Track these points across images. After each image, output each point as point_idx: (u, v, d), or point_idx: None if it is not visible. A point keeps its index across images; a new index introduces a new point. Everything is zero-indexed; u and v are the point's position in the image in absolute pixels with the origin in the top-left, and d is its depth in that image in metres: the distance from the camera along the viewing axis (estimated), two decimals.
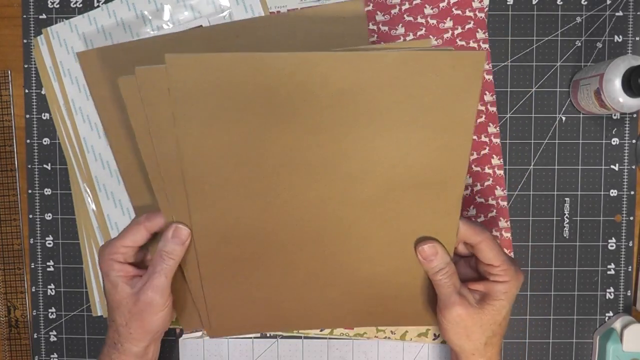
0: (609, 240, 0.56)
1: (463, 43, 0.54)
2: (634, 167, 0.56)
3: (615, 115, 0.56)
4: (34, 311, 0.57)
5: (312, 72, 0.38)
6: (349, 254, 0.46)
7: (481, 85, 0.40)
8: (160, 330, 0.46)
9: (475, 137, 0.55)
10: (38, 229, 0.57)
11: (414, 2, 0.54)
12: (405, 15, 0.54)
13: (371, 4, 0.54)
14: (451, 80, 0.39)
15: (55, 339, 0.57)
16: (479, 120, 0.55)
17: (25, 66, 0.56)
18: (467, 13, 0.54)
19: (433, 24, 0.54)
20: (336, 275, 0.47)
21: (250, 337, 0.57)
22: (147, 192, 0.51)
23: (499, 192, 0.55)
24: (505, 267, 0.44)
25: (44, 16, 0.55)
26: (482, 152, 0.55)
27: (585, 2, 0.55)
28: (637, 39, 0.55)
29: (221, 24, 0.52)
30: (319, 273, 0.46)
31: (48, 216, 0.56)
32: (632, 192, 0.56)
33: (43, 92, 0.56)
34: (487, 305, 0.44)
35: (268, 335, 0.57)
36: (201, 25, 0.53)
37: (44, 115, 0.56)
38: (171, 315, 0.47)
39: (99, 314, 0.56)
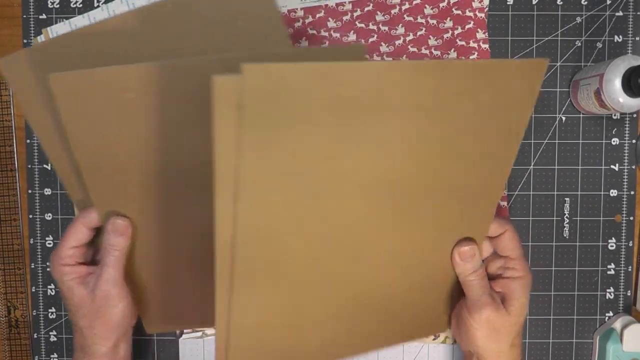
0: (609, 240, 0.56)
1: (463, 43, 0.54)
2: (634, 167, 0.56)
3: (615, 115, 0.56)
4: (34, 311, 0.57)
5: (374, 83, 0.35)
6: (377, 261, 0.43)
7: (536, 96, 0.39)
8: (123, 325, 0.46)
9: None
10: (38, 229, 0.57)
11: (414, 2, 0.54)
12: (405, 15, 0.54)
13: (371, 4, 0.54)
14: (509, 89, 0.38)
15: (55, 339, 0.57)
16: None
17: None
18: (467, 13, 0.54)
19: (433, 24, 0.54)
20: (360, 290, 0.44)
21: None
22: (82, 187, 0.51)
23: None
24: (522, 261, 0.45)
25: (44, 16, 0.55)
26: None
27: (585, 2, 0.55)
28: (637, 39, 0.55)
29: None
30: (341, 287, 0.43)
31: (48, 216, 0.56)
32: (632, 192, 0.56)
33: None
34: (511, 307, 0.44)
35: None
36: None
37: None
38: (132, 309, 0.47)
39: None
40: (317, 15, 0.54)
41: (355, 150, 0.36)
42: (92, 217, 0.45)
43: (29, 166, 0.56)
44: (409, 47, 0.55)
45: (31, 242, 0.57)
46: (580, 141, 0.56)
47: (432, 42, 0.55)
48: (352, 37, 0.54)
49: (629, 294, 0.56)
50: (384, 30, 0.55)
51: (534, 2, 0.55)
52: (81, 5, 0.55)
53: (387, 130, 0.36)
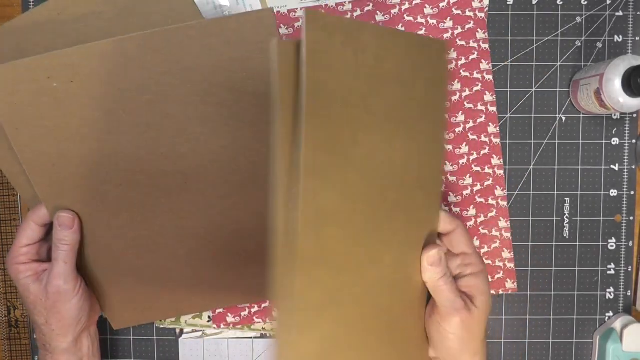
0: (609, 240, 0.56)
1: (463, 43, 0.54)
2: (634, 167, 0.56)
3: (615, 115, 0.56)
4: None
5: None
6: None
7: (448, 73, 0.40)
8: (80, 320, 0.46)
9: (475, 137, 0.55)
10: None
11: (414, 2, 0.54)
12: (405, 15, 0.54)
13: (371, 4, 0.54)
14: (421, 66, 0.38)
15: None
16: (478, 120, 0.55)
17: None
18: (467, 13, 0.54)
19: (433, 24, 0.54)
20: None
21: (250, 337, 0.57)
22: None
23: (499, 192, 0.55)
24: (477, 255, 0.44)
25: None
26: (482, 152, 0.55)
27: (585, 2, 0.55)
28: (637, 39, 0.55)
29: None
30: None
31: None
32: (632, 192, 0.56)
33: None
34: (479, 303, 0.43)
35: (268, 335, 0.57)
36: None
37: None
38: (89, 304, 0.47)
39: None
40: None
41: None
42: (41, 213, 0.45)
43: None
44: None
45: None
46: (580, 141, 0.56)
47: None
48: None
49: (629, 294, 0.56)
50: None
51: (534, 2, 0.55)
52: None
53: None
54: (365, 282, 0.39)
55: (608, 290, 0.56)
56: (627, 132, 0.56)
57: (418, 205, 0.41)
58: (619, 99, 0.48)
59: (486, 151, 0.55)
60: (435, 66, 0.41)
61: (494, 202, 0.55)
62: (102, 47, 0.40)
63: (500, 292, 0.56)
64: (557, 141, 0.56)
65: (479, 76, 0.55)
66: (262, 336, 0.57)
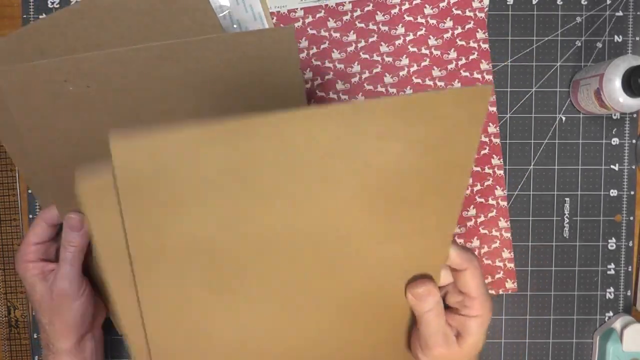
0: (609, 240, 0.56)
1: (463, 43, 0.54)
2: (634, 167, 0.56)
3: (615, 115, 0.56)
4: (34, 311, 0.57)
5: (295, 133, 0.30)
6: (343, 271, 0.38)
7: (482, 124, 0.35)
8: (84, 323, 0.46)
9: None
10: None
11: (414, 2, 0.54)
12: (405, 15, 0.54)
13: (371, 4, 0.54)
14: (452, 120, 0.34)
15: None
16: None
17: None
18: (467, 13, 0.54)
19: (433, 24, 0.54)
20: (325, 300, 0.39)
21: None
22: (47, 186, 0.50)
23: (499, 192, 0.55)
24: (482, 301, 0.41)
25: (43, 16, 0.55)
26: (482, 152, 0.55)
27: (585, 2, 0.55)
28: (637, 39, 0.55)
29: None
30: (306, 298, 0.38)
31: None
32: (632, 192, 0.56)
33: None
34: (464, 343, 0.41)
35: None
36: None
37: None
38: (93, 307, 0.47)
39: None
40: (317, 15, 0.54)
41: (276, 206, 0.31)
42: (52, 213, 0.45)
43: None
44: (409, 47, 0.55)
45: None
46: (580, 141, 0.56)
47: (432, 42, 0.55)
48: (352, 37, 0.54)
49: (629, 294, 0.56)
50: (384, 30, 0.55)
51: (534, 2, 0.55)
52: None
53: (305, 183, 0.31)
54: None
55: (608, 290, 0.56)
56: (627, 132, 0.56)
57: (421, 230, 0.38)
58: (619, 99, 0.48)
59: (486, 151, 0.55)
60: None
61: (494, 202, 0.55)
62: (122, 55, 0.40)
63: (500, 292, 0.56)
64: (557, 141, 0.56)
65: (479, 76, 0.55)
66: None
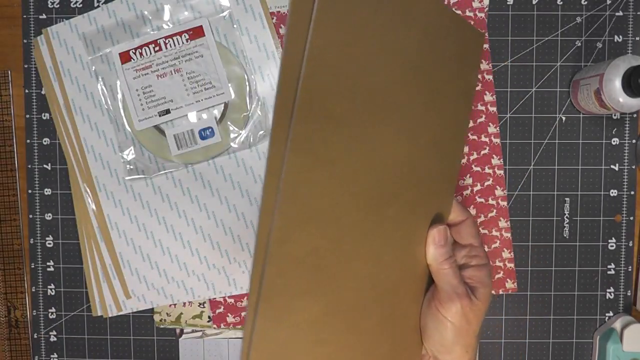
0: (609, 240, 0.56)
1: None
2: (634, 167, 0.56)
3: (615, 115, 0.56)
4: (34, 311, 0.57)
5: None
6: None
7: (479, 64, 0.40)
8: None
9: (475, 137, 0.55)
10: (38, 229, 0.57)
11: None
12: None
13: None
14: (456, 46, 0.38)
15: (55, 339, 0.57)
16: (478, 120, 0.55)
17: (25, 66, 0.56)
18: (467, 13, 0.54)
19: None
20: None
21: None
22: None
23: (499, 192, 0.55)
24: (482, 249, 0.44)
25: (44, 16, 0.55)
26: (482, 152, 0.55)
27: (585, 2, 0.55)
28: (637, 39, 0.55)
29: None
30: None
31: (48, 216, 0.56)
32: (632, 192, 0.56)
33: (43, 92, 0.56)
34: (480, 295, 0.42)
35: None
36: (201, 26, 0.53)
37: (44, 115, 0.56)
38: None
39: (99, 314, 0.56)
40: None
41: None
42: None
43: (29, 166, 0.56)
44: None
45: (31, 242, 0.57)
46: (580, 141, 0.56)
47: None
48: None
49: (629, 294, 0.56)
50: None
51: (534, 2, 0.55)
52: (81, 5, 0.55)
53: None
54: (360, 270, 0.38)
55: (608, 290, 0.56)
56: (627, 132, 0.56)
57: (428, 192, 0.41)
58: (619, 99, 0.48)
59: (486, 151, 0.55)
60: (468, 55, 0.40)
61: (494, 202, 0.55)
62: None
63: (500, 292, 0.56)
64: (557, 141, 0.56)
65: (479, 76, 0.55)
66: None
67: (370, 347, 0.40)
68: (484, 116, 0.55)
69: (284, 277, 0.33)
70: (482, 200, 0.55)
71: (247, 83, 0.54)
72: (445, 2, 0.54)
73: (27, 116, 0.56)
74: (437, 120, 0.40)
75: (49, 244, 0.57)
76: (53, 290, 0.57)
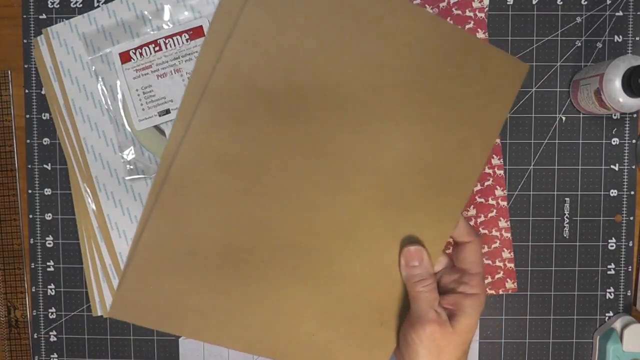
0: (609, 240, 0.56)
1: None
2: (634, 167, 0.56)
3: (615, 115, 0.56)
4: (34, 311, 0.57)
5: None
6: (340, 252, 0.40)
7: (514, 97, 0.39)
8: None
9: None
10: (38, 229, 0.57)
11: (414, 2, 0.54)
12: None
13: None
14: (490, 80, 0.38)
15: (55, 339, 0.57)
16: None
17: (25, 66, 0.56)
18: (467, 13, 0.54)
19: None
20: (321, 280, 0.40)
21: None
22: None
23: (499, 192, 0.55)
24: (481, 278, 0.41)
25: (44, 16, 0.55)
26: None
27: (585, 2, 0.55)
28: (637, 39, 0.55)
29: None
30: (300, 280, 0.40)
31: (48, 216, 0.56)
32: (632, 192, 0.56)
33: (43, 92, 0.56)
34: (458, 324, 0.39)
35: None
36: (201, 26, 0.53)
37: (44, 115, 0.56)
38: None
39: (99, 314, 0.56)
40: None
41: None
42: None
43: (29, 166, 0.56)
44: None
45: (31, 242, 0.57)
46: (580, 141, 0.56)
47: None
48: None
49: (629, 294, 0.56)
50: None
51: (534, 2, 0.55)
52: (81, 5, 0.55)
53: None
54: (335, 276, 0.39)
55: (608, 290, 0.56)
56: (627, 132, 0.56)
57: (427, 206, 0.40)
58: (619, 99, 0.48)
59: None
60: (491, 81, 0.39)
61: (494, 202, 0.55)
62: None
63: (500, 292, 0.56)
64: (557, 141, 0.56)
65: None
66: None
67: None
68: None
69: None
70: (482, 200, 0.55)
71: None
72: (445, 3, 0.54)
73: (27, 116, 0.56)
74: (448, 130, 0.40)
75: (49, 244, 0.57)
76: (53, 290, 0.57)
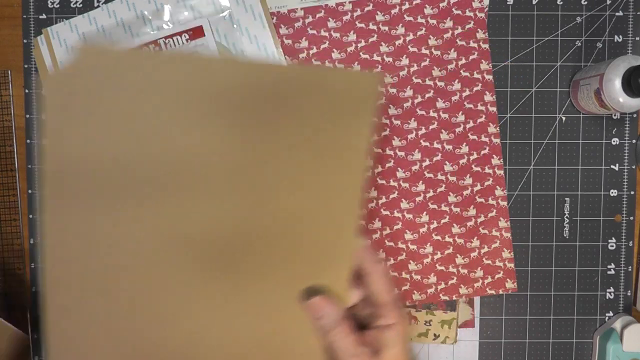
0: (609, 240, 0.56)
1: (463, 43, 0.54)
2: (634, 167, 0.56)
3: (615, 115, 0.56)
4: (34, 311, 0.57)
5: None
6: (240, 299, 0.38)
7: (375, 109, 0.37)
8: None
9: (475, 137, 0.55)
10: (38, 229, 0.57)
11: (414, 2, 0.54)
12: (405, 15, 0.54)
13: (371, 4, 0.54)
14: (343, 103, 0.36)
15: None
16: (478, 121, 0.55)
17: (25, 66, 0.56)
18: (467, 13, 0.54)
19: (433, 24, 0.54)
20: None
21: None
22: None
23: (499, 192, 0.55)
24: (393, 307, 0.39)
25: (44, 16, 0.55)
26: (482, 152, 0.55)
27: (585, 2, 0.55)
28: (637, 39, 0.55)
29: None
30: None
31: None
32: (632, 192, 0.56)
33: (43, 92, 0.56)
34: (383, 358, 0.38)
35: None
36: (201, 26, 0.53)
37: (44, 116, 0.56)
38: None
39: None
40: (317, 15, 0.54)
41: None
42: None
43: (29, 166, 0.56)
44: (409, 47, 0.55)
45: (31, 242, 0.57)
46: (580, 141, 0.56)
47: (432, 42, 0.55)
48: (352, 37, 0.54)
49: (629, 294, 0.56)
50: (384, 30, 0.55)
51: (534, 2, 0.55)
52: (81, 5, 0.55)
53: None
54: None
55: (608, 290, 0.56)
56: (627, 132, 0.56)
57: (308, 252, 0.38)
58: (619, 99, 0.48)
59: (486, 151, 0.55)
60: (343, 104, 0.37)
61: (494, 202, 0.55)
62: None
63: (500, 292, 0.56)
64: (557, 141, 0.56)
65: (479, 76, 0.55)
66: None
67: None
68: (484, 116, 0.55)
69: None
70: (482, 200, 0.55)
71: None
72: (445, 3, 0.54)
73: (27, 116, 0.56)
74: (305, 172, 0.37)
75: None
76: None
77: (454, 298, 0.55)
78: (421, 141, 0.55)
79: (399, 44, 0.55)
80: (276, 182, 0.37)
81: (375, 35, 0.55)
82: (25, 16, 0.55)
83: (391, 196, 0.55)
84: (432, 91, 0.55)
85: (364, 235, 0.54)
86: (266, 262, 0.37)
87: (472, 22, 0.55)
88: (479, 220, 0.55)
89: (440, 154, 0.55)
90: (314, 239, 0.38)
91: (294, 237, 0.38)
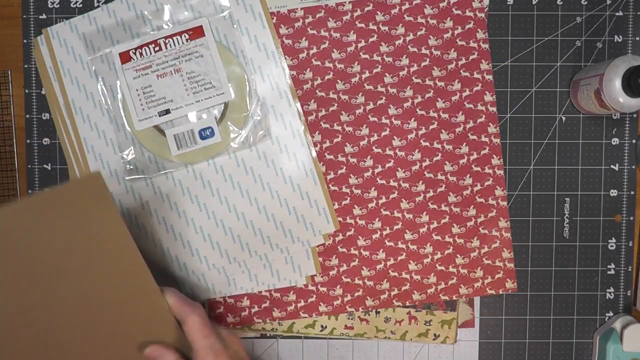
0: (609, 240, 0.56)
1: (463, 43, 0.54)
2: (634, 167, 0.56)
3: (615, 115, 0.56)
4: None
5: None
6: None
7: (111, 204, 0.42)
8: None
9: (475, 137, 0.55)
10: None
11: (414, 2, 0.54)
12: (405, 15, 0.55)
13: (371, 4, 0.54)
14: (79, 208, 0.41)
15: None
16: (478, 120, 0.55)
17: (25, 66, 0.56)
18: (467, 13, 0.54)
19: (433, 24, 0.54)
20: None
21: (251, 337, 0.57)
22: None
23: (499, 192, 0.55)
24: (204, 352, 0.42)
25: (44, 16, 0.55)
26: (482, 152, 0.55)
27: (585, 2, 0.55)
28: (637, 39, 0.55)
29: None
30: None
31: None
32: (632, 192, 0.56)
33: (43, 92, 0.56)
34: None
35: (268, 335, 0.57)
36: (201, 26, 0.53)
37: (44, 115, 0.56)
38: None
39: None
40: (317, 15, 0.54)
41: None
42: None
43: (29, 166, 0.56)
44: (409, 47, 0.55)
45: None
46: (580, 141, 0.56)
47: (432, 42, 0.55)
48: (352, 37, 0.54)
49: (629, 294, 0.56)
50: (384, 30, 0.55)
51: (534, 2, 0.55)
52: (81, 5, 0.55)
53: None
54: None
55: (608, 290, 0.56)
56: (627, 132, 0.56)
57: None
58: (619, 99, 0.48)
59: (486, 151, 0.55)
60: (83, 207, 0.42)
61: (494, 202, 0.55)
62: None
63: (500, 292, 0.56)
64: (557, 141, 0.56)
65: (479, 76, 0.55)
66: (262, 336, 0.57)
67: None
68: (484, 116, 0.55)
69: None
70: (482, 200, 0.55)
71: (247, 83, 0.54)
72: (445, 3, 0.54)
73: (27, 116, 0.56)
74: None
75: None
76: None
77: (454, 298, 0.55)
78: (421, 141, 0.55)
79: (399, 44, 0.55)
80: (86, 290, 0.43)
81: (375, 35, 0.55)
82: (25, 16, 0.55)
83: (391, 196, 0.55)
84: (432, 91, 0.55)
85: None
86: (103, 331, 0.44)
87: (472, 22, 0.55)
88: (479, 220, 0.55)
89: (440, 154, 0.55)
90: (129, 308, 0.44)
91: (114, 311, 0.44)
